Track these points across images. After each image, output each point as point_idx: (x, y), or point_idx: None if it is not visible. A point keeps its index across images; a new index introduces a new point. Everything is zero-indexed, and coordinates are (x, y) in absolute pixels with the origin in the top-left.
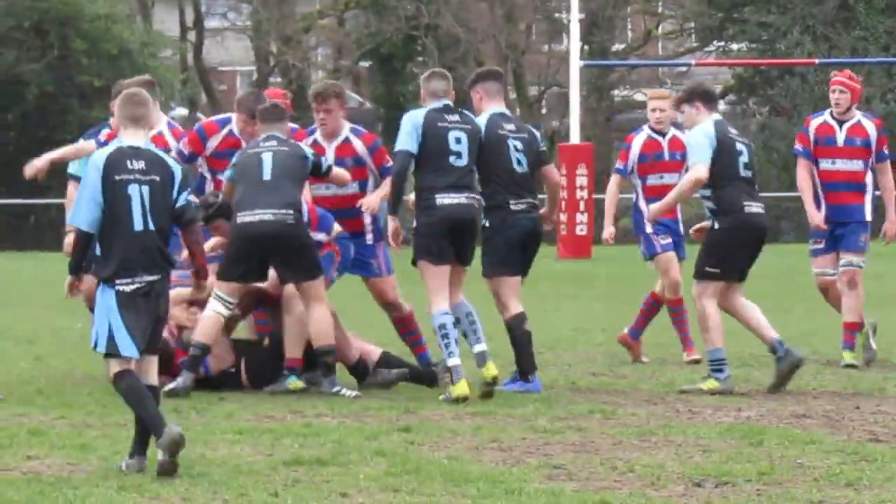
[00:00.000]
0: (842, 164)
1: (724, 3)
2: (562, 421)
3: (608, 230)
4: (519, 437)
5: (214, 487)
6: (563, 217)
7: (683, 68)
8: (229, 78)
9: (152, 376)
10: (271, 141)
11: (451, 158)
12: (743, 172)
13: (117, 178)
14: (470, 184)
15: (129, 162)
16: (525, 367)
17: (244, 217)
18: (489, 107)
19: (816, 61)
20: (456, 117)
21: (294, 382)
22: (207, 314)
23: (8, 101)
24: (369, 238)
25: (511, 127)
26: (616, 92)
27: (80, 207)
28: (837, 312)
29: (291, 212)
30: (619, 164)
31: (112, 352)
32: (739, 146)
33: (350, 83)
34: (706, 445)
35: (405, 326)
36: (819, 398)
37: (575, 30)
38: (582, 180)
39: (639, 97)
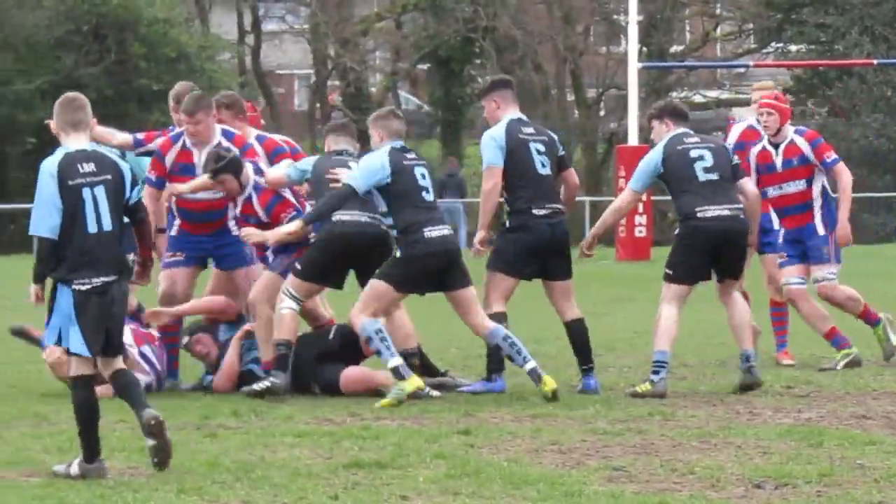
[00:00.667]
0: (788, 188)
1: (782, 5)
2: (622, 423)
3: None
4: (579, 439)
5: (274, 490)
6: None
7: (741, 70)
8: (287, 81)
9: (117, 364)
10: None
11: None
12: (703, 177)
13: (71, 182)
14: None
15: (80, 166)
16: (492, 366)
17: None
18: (506, 114)
19: (875, 62)
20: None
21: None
22: (283, 313)
23: None
24: None
25: (530, 130)
26: (674, 93)
27: (41, 215)
28: (808, 323)
29: (382, 218)
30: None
31: (69, 349)
32: (697, 152)
33: (408, 85)
34: (766, 447)
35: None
36: (879, 399)
37: (633, 32)
38: None
39: (697, 98)
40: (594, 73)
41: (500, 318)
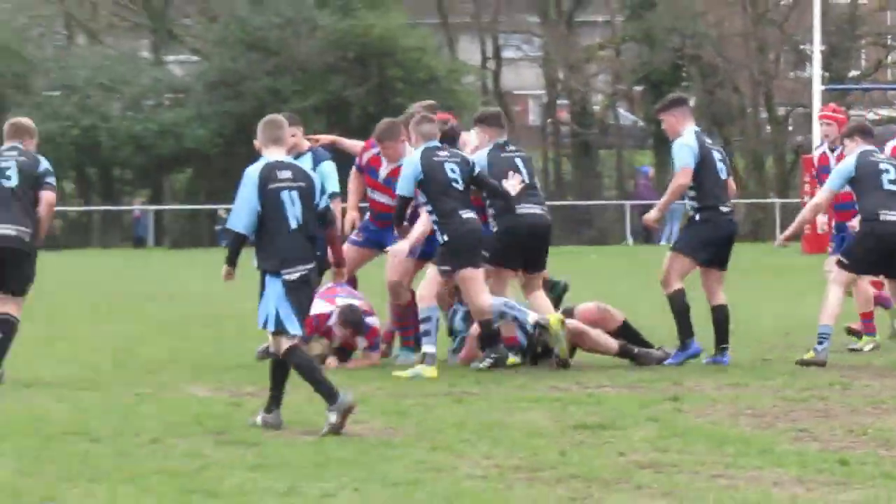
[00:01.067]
0: None
1: None
2: (806, 391)
3: None
4: (770, 405)
5: (512, 448)
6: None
7: None
8: (522, 100)
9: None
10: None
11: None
12: (888, 186)
13: (271, 186)
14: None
15: (278, 172)
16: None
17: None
18: (686, 126)
19: None
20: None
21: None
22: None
23: (336, 119)
24: None
25: (710, 141)
26: (852, 112)
27: (240, 214)
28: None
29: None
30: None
31: (280, 329)
32: (884, 166)
33: (625, 104)
34: None
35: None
36: None
37: (817, 59)
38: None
39: (871, 116)
40: (783, 94)
41: (680, 293)
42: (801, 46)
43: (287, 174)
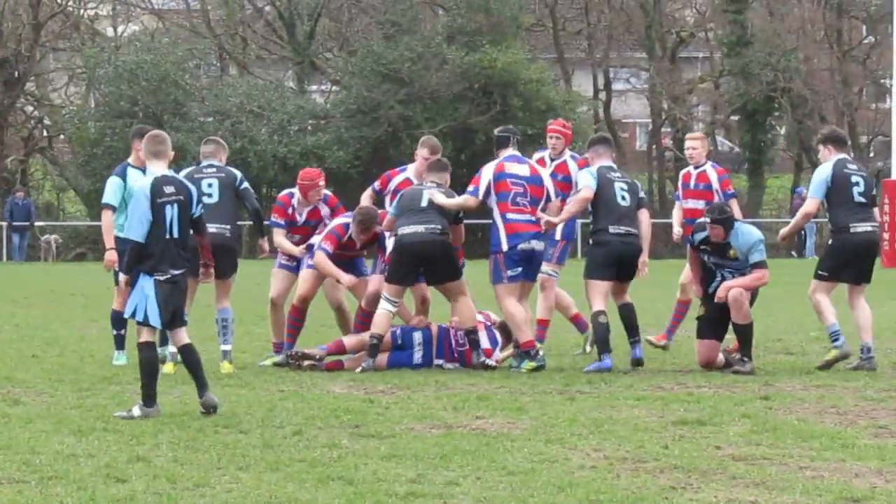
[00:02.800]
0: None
1: None
2: (886, 392)
3: None
4: (853, 403)
5: (619, 441)
6: (885, 235)
7: None
8: (630, 128)
9: (185, 338)
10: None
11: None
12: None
13: (159, 200)
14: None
15: (165, 187)
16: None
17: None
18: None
19: None
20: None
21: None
22: (381, 312)
23: (462, 144)
24: None
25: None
26: None
27: (136, 225)
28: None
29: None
30: None
31: (147, 322)
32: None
33: (723, 132)
34: None
35: None
36: None
37: (895, 91)
38: None
39: None
40: (866, 123)
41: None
42: (882, 80)
43: (171, 189)
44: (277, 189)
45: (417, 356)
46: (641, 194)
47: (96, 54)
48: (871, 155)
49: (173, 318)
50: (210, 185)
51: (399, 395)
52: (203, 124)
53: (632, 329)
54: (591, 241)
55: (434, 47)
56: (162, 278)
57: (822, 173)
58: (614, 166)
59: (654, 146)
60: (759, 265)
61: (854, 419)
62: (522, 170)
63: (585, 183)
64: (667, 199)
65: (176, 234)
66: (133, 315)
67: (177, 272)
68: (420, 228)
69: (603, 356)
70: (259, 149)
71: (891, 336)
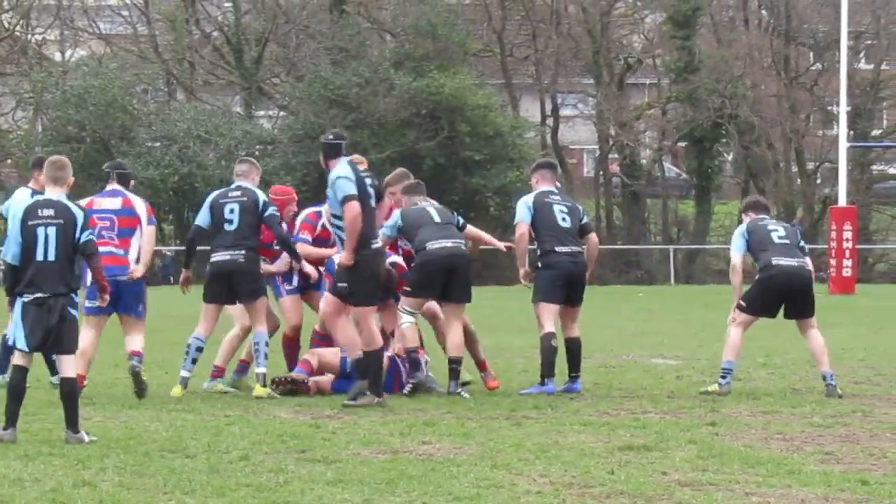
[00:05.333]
0: None
1: None
2: (832, 418)
3: None
4: (799, 430)
5: (565, 467)
6: (832, 262)
7: None
8: (577, 154)
9: (66, 370)
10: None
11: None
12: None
13: (30, 223)
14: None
15: (40, 210)
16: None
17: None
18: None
19: None
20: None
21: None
22: (405, 325)
23: (410, 169)
24: None
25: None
26: (874, 167)
27: (10, 246)
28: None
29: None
30: None
31: (15, 346)
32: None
33: (670, 158)
34: None
35: None
36: None
37: (843, 119)
38: (847, 234)
39: (891, 170)
40: (813, 150)
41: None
42: (829, 107)
43: (50, 212)
44: None
45: None
46: (585, 219)
47: (44, 79)
48: (818, 181)
49: (45, 342)
50: (231, 211)
51: (345, 420)
52: (150, 149)
53: (574, 365)
54: (538, 265)
55: (381, 73)
56: (27, 299)
57: (740, 231)
58: (555, 190)
59: (602, 172)
60: None
61: (800, 445)
62: None
63: (518, 218)
64: (614, 224)
65: (52, 258)
66: (12, 339)
67: (44, 295)
68: (448, 243)
69: (546, 380)
70: (206, 174)
71: (835, 364)
